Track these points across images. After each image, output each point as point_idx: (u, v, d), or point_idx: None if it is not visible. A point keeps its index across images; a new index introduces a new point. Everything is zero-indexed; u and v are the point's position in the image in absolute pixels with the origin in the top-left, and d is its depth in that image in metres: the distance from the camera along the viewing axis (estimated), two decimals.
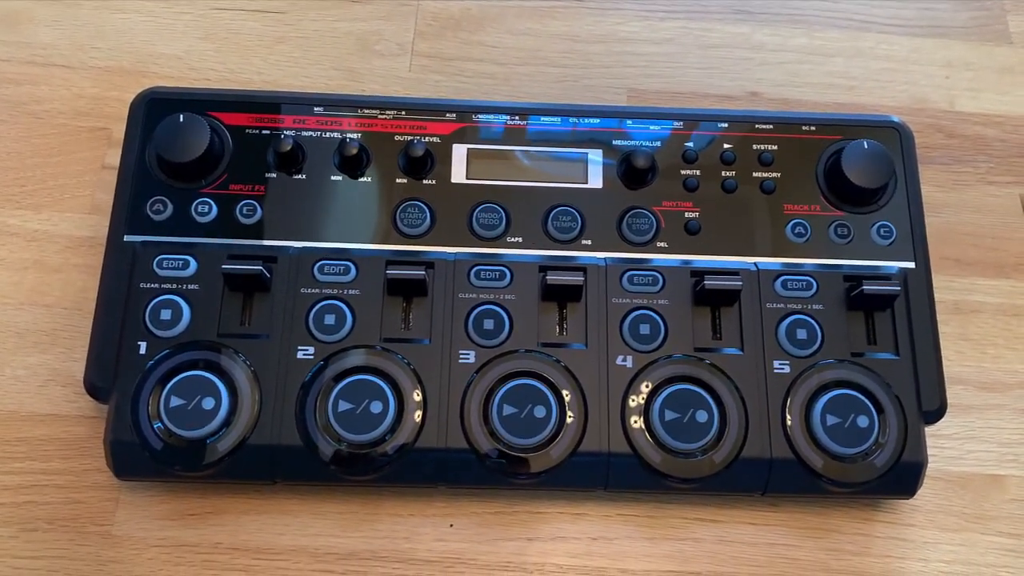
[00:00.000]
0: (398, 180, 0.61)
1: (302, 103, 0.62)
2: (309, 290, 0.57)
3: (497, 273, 0.57)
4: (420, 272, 0.56)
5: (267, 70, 0.70)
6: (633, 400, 0.55)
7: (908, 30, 0.75)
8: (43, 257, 0.63)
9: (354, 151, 0.59)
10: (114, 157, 0.63)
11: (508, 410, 0.54)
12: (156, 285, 0.56)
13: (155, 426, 0.53)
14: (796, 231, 0.60)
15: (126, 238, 0.58)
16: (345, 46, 0.72)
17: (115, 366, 0.55)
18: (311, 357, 0.55)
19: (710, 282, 0.56)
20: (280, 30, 0.72)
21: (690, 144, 0.62)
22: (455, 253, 0.58)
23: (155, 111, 0.61)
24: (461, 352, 0.56)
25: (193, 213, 0.59)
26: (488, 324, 0.56)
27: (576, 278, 0.56)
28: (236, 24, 0.72)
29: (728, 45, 0.74)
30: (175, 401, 0.53)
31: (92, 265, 0.62)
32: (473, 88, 0.71)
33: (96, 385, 0.55)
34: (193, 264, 0.57)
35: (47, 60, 0.70)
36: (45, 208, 0.65)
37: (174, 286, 0.56)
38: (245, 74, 0.70)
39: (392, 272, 0.56)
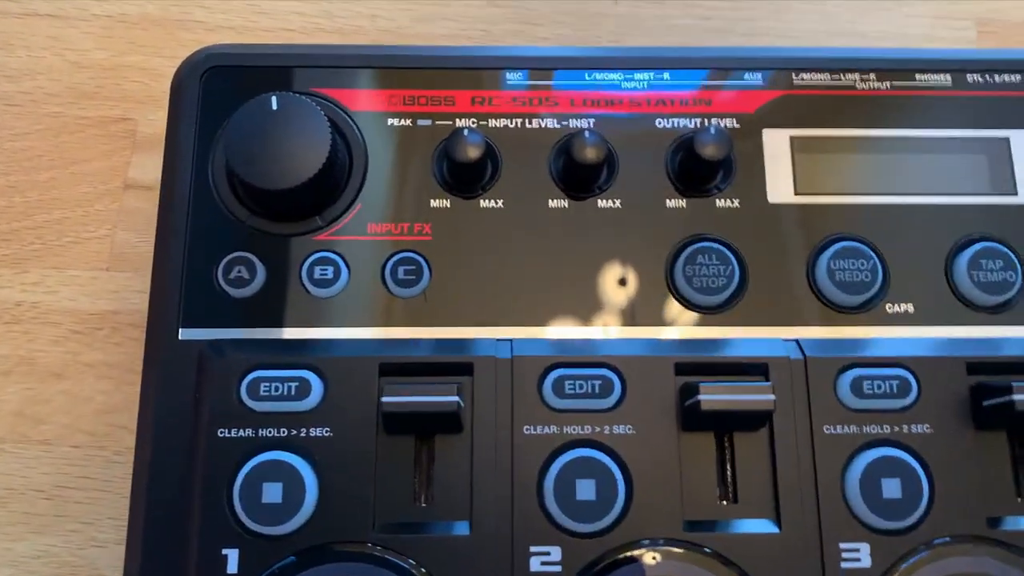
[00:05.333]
0: (670, 202, 0.33)
1: (484, 66, 0.34)
2: (540, 430, 0.29)
3: (897, 383, 0.30)
4: (768, 398, 0.28)
5: (385, 8, 0.43)
6: None
7: None
8: (33, 353, 0.37)
9: (593, 154, 0.32)
10: (142, 169, 0.37)
11: None
12: (250, 432, 0.29)
13: None
14: None
15: (182, 335, 0.31)
16: None
17: None
18: (557, 570, 0.28)
19: None
20: None
21: None
22: (809, 340, 0.31)
23: (218, 89, 0.33)
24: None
25: (306, 281, 0.31)
26: None
27: None
28: None
29: None
30: None
31: (119, 364, 0.36)
32: (723, 26, 0.43)
33: None
34: (318, 387, 0.30)
35: (25, 9, 0.42)
36: (33, 264, 0.38)
37: (284, 433, 0.29)
38: (347, 17, 0.43)
39: (705, 400, 0.28)
